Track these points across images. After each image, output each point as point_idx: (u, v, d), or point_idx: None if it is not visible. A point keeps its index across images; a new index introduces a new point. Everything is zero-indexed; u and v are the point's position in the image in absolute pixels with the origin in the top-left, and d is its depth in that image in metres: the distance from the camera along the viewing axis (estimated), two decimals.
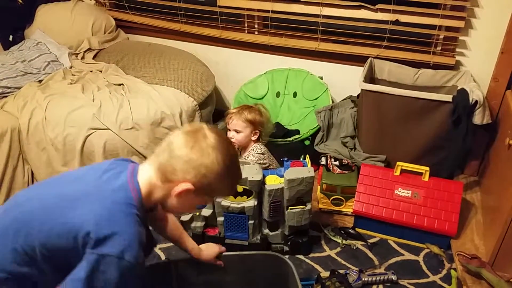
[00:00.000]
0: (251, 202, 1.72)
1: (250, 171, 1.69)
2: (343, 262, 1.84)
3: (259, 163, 2.00)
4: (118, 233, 0.94)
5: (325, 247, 1.92)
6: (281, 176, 1.73)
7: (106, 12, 2.89)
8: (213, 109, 2.56)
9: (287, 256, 1.64)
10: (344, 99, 2.39)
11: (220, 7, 2.53)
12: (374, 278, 1.72)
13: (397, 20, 2.18)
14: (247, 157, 2.05)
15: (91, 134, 2.04)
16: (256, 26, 2.59)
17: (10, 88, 2.26)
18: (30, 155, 2.11)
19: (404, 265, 1.83)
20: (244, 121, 2.04)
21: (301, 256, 1.87)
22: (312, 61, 2.50)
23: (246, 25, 2.63)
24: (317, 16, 2.33)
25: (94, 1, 2.94)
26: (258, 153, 2.05)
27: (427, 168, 1.90)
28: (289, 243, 1.84)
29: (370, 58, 2.25)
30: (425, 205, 1.87)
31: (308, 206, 1.75)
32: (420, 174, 1.92)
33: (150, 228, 1.33)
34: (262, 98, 2.54)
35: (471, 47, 2.14)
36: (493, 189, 1.97)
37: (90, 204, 0.98)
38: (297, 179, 1.66)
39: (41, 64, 2.44)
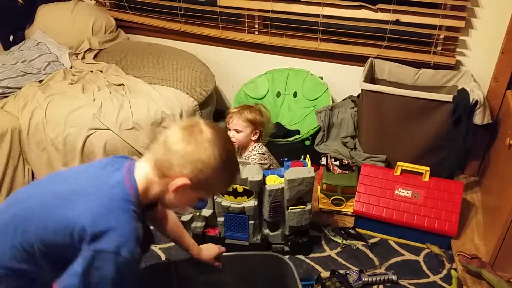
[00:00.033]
0: (251, 202, 1.72)
1: (250, 171, 1.69)
2: (343, 262, 1.84)
3: (260, 163, 2.00)
4: (114, 229, 0.94)
5: (326, 247, 1.92)
6: (282, 176, 1.73)
7: (107, 12, 2.89)
8: (214, 109, 2.56)
9: (287, 256, 1.64)
10: (345, 99, 2.39)
11: (221, 7, 2.53)
12: (374, 278, 1.72)
13: (397, 20, 2.18)
14: (248, 157, 2.06)
15: (91, 134, 2.04)
16: (256, 26, 2.59)
17: (10, 88, 2.26)
18: (31, 155, 2.11)
19: (405, 265, 1.83)
20: (245, 121, 2.04)
21: (301, 256, 1.87)
22: (312, 61, 2.50)
23: (246, 25, 2.63)
24: (317, 16, 2.33)
25: (95, 1, 2.94)
26: (259, 153, 2.05)
27: (428, 168, 1.90)
28: (289, 243, 1.84)
29: (370, 58, 2.24)
30: (426, 205, 1.87)
31: (309, 206, 1.75)
32: (421, 174, 1.92)
33: (151, 227, 1.34)
34: (262, 98, 2.54)
35: (471, 47, 2.14)
36: (494, 189, 1.96)
37: (86, 200, 0.98)
38: (298, 179, 1.66)
39: (41, 64, 2.44)
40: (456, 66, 2.19)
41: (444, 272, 1.79)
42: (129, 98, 2.16)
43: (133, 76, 2.39)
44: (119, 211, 0.98)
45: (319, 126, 2.27)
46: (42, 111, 2.07)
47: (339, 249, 1.91)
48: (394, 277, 1.73)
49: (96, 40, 2.72)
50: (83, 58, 2.65)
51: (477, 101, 1.85)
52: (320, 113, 2.27)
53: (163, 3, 2.70)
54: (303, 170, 1.69)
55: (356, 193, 1.96)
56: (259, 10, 2.52)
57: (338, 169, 2.10)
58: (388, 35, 2.24)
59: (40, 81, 2.37)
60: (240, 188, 1.69)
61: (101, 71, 2.50)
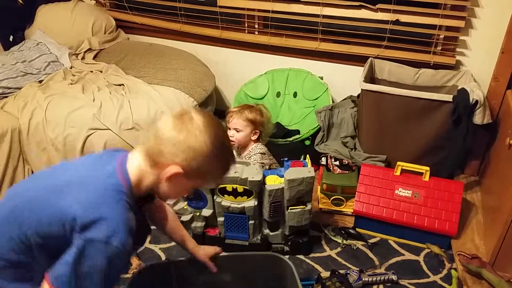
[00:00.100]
0: (251, 202, 1.72)
1: (250, 171, 1.69)
2: (343, 262, 1.84)
3: (262, 163, 2.00)
4: (105, 218, 0.94)
5: (326, 247, 1.92)
6: (281, 176, 1.72)
7: (106, 12, 2.89)
8: (214, 109, 2.56)
9: (287, 256, 1.64)
10: (345, 99, 2.39)
11: (220, 7, 2.53)
12: (374, 278, 1.72)
13: (397, 20, 2.18)
14: (248, 157, 2.06)
15: (91, 134, 2.04)
16: (256, 26, 2.59)
17: (10, 88, 2.26)
18: (31, 156, 2.11)
19: (405, 265, 1.83)
20: (245, 120, 2.04)
21: (301, 256, 1.86)
22: (312, 61, 2.50)
23: (246, 25, 2.63)
24: (317, 16, 2.33)
25: (95, 1, 2.94)
26: (260, 153, 2.05)
27: (428, 168, 1.90)
28: (289, 243, 1.84)
29: (370, 58, 2.24)
30: (426, 205, 1.87)
31: (309, 206, 1.74)
32: (421, 174, 1.92)
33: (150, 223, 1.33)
34: (262, 98, 2.54)
35: (471, 47, 2.14)
36: (494, 189, 1.96)
37: (79, 191, 0.99)
38: (298, 179, 1.66)
39: (41, 64, 2.44)
40: (456, 66, 2.19)
41: (444, 272, 1.79)
42: (129, 98, 2.16)
43: (133, 76, 2.40)
44: (110, 201, 0.98)
45: (319, 126, 2.27)
46: (42, 111, 2.07)
47: (339, 249, 1.91)
48: (394, 277, 1.73)
49: (96, 40, 2.72)
50: (83, 58, 2.65)
51: (477, 101, 1.84)
52: (320, 113, 2.27)
53: (163, 3, 2.70)
54: (303, 170, 1.69)
55: (356, 193, 1.96)
56: (259, 10, 2.52)
57: (338, 169, 2.10)
58: (388, 35, 2.24)
59: (40, 81, 2.37)
60: (240, 188, 1.69)
61: (101, 71, 2.50)
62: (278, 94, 2.57)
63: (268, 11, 2.44)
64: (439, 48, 2.22)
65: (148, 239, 1.95)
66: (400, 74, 2.24)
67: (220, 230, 1.86)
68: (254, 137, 2.08)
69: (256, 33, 2.60)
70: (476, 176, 2.32)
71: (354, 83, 2.09)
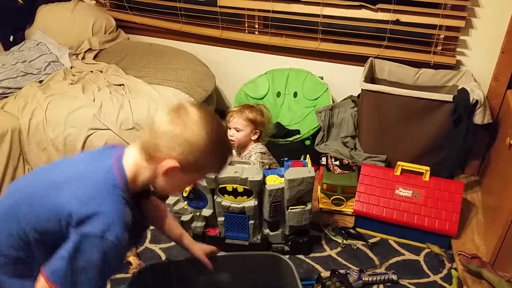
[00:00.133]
0: (251, 202, 1.72)
1: (250, 171, 1.69)
2: (343, 262, 1.84)
3: (262, 162, 2.00)
4: (100, 213, 0.94)
5: (326, 247, 1.92)
6: (282, 176, 1.72)
7: (107, 13, 2.89)
8: (214, 109, 2.56)
9: (287, 256, 1.63)
10: (345, 99, 2.39)
11: (221, 7, 2.53)
12: (374, 278, 1.72)
13: (397, 19, 2.18)
14: (248, 156, 2.06)
15: (91, 134, 2.04)
16: (256, 26, 2.59)
17: (10, 88, 2.26)
18: (31, 156, 2.11)
19: (405, 265, 1.83)
20: (245, 120, 2.03)
21: (301, 256, 1.87)
22: (312, 61, 2.50)
23: (246, 25, 2.63)
24: (317, 16, 2.33)
25: (95, 2, 2.95)
26: (260, 152, 2.05)
27: (428, 168, 1.90)
28: (289, 243, 1.84)
29: (370, 58, 2.24)
30: (426, 205, 1.87)
31: (309, 206, 1.74)
32: (421, 174, 1.92)
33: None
34: (262, 98, 2.54)
35: (471, 46, 2.14)
36: (494, 189, 1.96)
37: (75, 187, 0.99)
38: (298, 179, 1.66)
39: (41, 64, 2.44)
40: (456, 66, 2.19)
41: (445, 271, 1.79)
42: (129, 98, 2.16)
43: (133, 76, 2.39)
44: (106, 195, 0.98)
45: (319, 126, 2.27)
46: (42, 111, 2.07)
47: (339, 248, 1.91)
48: (394, 277, 1.73)
49: (96, 40, 2.72)
50: (83, 58, 2.65)
51: (477, 101, 1.84)
52: (320, 113, 2.27)
53: (163, 3, 2.70)
54: (303, 170, 1.69)
55: (356, 193, 1.96)
56: (259, 10, 2.52)
57: (338, 169, 2.10)
58: (388, 35, 2.24)
59: (40, 81, 2.37)
60: (240, 188, 1.69)
61: (101, 71, 2.50)
62: (278, 94, 2.57)
63: (268, 11, 2.44)
64: (439, 48, 2.22)
65: (148, 239, 1.95)
66: (400, 74, 2.24)
67: (220, 230, 1.86)
68: (254, 137, 2.08)
69: (256, 33, 2.60)
70: (476, 176, 2.32)
71: (354, 83, 2.09)
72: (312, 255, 1.88)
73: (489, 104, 2.00)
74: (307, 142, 2.25)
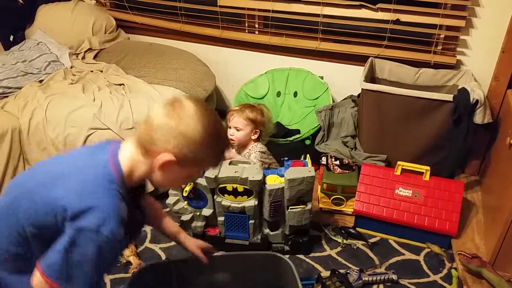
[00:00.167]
0: (251, 202, 1.72)
1: (250, 171, 1.69)
2: (343, 261, 1.84)
3: (262, 161, 2.00)
4: (95, 208, 0.94)
5: (326, 246, 1.92)
6: (282, 175, 1.72)
7: (107, 12, 2.89)
8: (214, 109, 2.56)
9: (287, 256, 1.63)
10: (345, 98, 2.39)
11: (221, 6, 2.53)
12: (374, 278, 1.72)
13: (397, 19, 2.18)
14: (248, 155, 2.06)
15: (91, 134, 2.04)
16: (256, 25, 2.59)
17: (10, 88, 2.26)
18: (31, 155, 2.11)
19: (405, 264, 1.83)
20: (245, 119, 2.04)
21: (301, 256, 1.87)
22: (312, 61, 2.50)
23: (246, 24, 2.63)
24: (317, 15, 2.33)
25: (95, 1, 2.94)
26: (260, 151, 2.05)
27: (428, 168, 1.90)
28: (289, 242, 1.84)
29: (370, 58, 2.24)
30: (426, 204, 1.87)
31: (309, 206, 1.74)
32: (421, 173, 1.92)
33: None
34: (262, 97, 2.54)
35: (472, 46, 2.14)
36: (494, 188, 1.96)
37: (71, 181, 0.99)
38: (298, 179, 1.65)
39: (41, 64, 2.44)
40: (456, 66, 2.18)
41: (445, 271, 1.79)
42: (129, 98, 2.16)
43: (133, 76, 2.39)
44: (102, 190, 0.98)
45: (319, 126, 2.26)
46: (43, 111, 2.07)
47: (339, 248, 1.91)
48: (394, 277, 1.73)
49: (96, 40, 2.72)
50: (83, 58, 2.65)
51: (477, 101, 1.84)
52: (320, 112, 2.27)
53: (163, 3, 2.70)
54: (303, 170, 1.69)
55: (357, 192, 1.96)
56: (259, 10, 2.52)
57: (339, 169, 2.10)
58: (389, 35, 2.23)
59: (41, 81, 2.37)
60: (240, 188, 1.69)
61: (102, 71, 2.49)
62: (279, 94, 2.57)
63: (268, 10, 2.44)
64: (439, 47, 2.22)
65: (148, 238, 1.95)
66: (400, 73, 2.23)
67: (220, 229, 1.86)
68: (254, 137, 2.08)
69: (257, 32, 2.60)
70: (476, 176, 2.32)
71: (355, 83, 2.09)
72: (312, 254, 1.88)
73: (489, 103, 2.00)
74: (307, 142, 2.25)
